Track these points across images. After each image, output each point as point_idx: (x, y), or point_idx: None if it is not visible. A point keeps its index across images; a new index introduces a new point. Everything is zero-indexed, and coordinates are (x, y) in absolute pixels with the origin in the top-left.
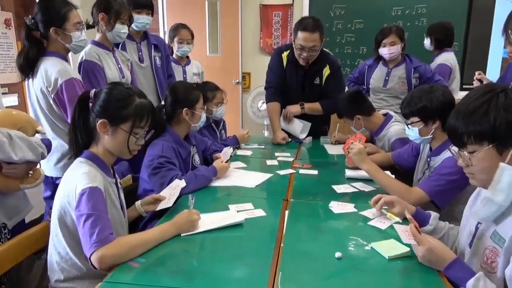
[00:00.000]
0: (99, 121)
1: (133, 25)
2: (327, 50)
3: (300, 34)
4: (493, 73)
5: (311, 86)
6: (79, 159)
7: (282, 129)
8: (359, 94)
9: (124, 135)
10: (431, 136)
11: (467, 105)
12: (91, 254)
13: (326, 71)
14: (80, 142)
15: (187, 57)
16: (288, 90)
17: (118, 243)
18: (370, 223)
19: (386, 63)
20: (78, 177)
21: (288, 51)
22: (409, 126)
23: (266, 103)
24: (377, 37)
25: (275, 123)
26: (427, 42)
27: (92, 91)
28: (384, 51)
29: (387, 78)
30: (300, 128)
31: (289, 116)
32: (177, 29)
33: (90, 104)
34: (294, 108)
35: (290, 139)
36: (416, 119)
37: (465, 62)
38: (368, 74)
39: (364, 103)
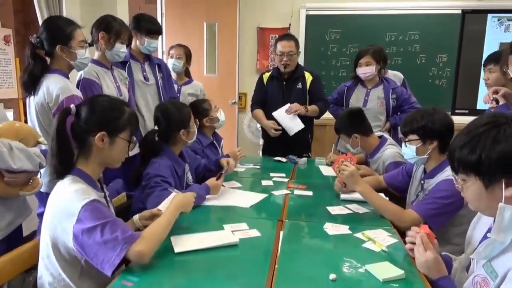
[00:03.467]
0: (97, 134)
1: (143, 49)
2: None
3: (279, 44)
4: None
5: (292, 91)
6: (66, 177)
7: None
8: (360, 113)
9: (124, 144)
10: (427, 156)
11: (467, 133)
12: (125, 255)
13: (309, 77)
14: (65, 161)
15: (189, 77)
16: (270, 100)
17: (145, 237)
18: (364, 245)
19: (364, 85)
20: (71, 196)
21: (270, 71)
22: (406, 143)
23: (252, 112)
24: (355, 58)
25: (263, 120)
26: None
27: (73, 107)
28: (359, 71)
29: (366, 98)
30: (296, 124)
31: (297, 110)
32: (172, 46)
33: (72, 120)
34: (303, 109)
35: (285, 160)
36: (414, 137)
37: (457, 88)
38: (347, 96)
39: (363, 122)
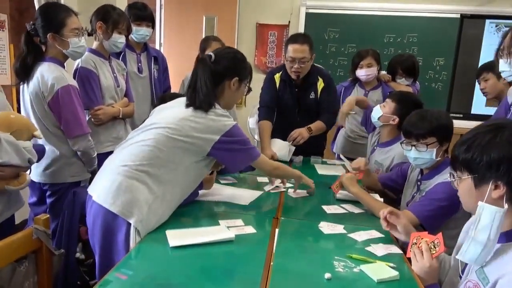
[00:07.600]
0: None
1: (133, 37)
2: (319, 66)
3: (290, 47)
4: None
5: (306, 101)
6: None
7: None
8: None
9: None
10: (440, 158)
11: (470, 132)
12: None
13: (321, 84)
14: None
15: None
16: (282, 110)
17: None
18: (359, 246)
19: (363, 86)
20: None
21: (281, 72)
22: (427, 147)
23: (259, 121)
24: (354, 59)
25: (265, 142)
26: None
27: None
28: (361, 73)
29: None
30: (287, 151)
31: (301, 141)
32: (208, 41)
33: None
34: (305, 133)
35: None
36: (433, 139)
37: (453, 91)
38: (344, 96)
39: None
